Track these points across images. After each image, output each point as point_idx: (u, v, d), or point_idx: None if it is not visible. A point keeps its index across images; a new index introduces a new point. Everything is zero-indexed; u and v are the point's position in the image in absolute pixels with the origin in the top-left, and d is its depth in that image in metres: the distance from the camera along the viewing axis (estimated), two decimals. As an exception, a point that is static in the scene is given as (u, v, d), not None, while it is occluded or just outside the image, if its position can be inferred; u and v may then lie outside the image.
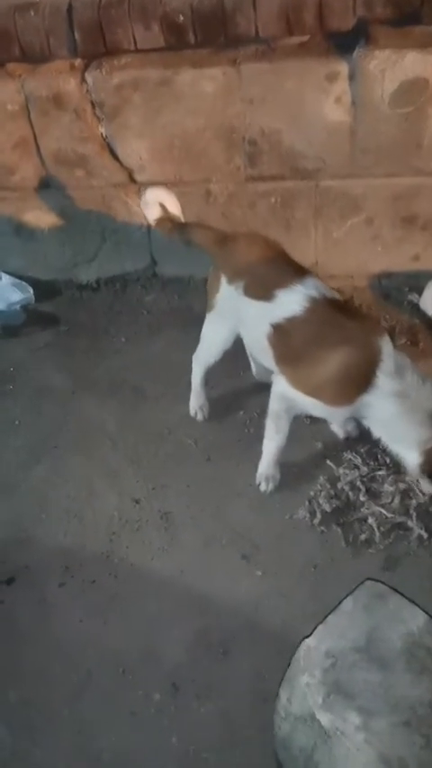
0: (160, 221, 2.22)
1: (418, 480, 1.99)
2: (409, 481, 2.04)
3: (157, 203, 2.21)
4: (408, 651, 1.40)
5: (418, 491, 2.02)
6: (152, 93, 2.52)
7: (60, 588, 1.95)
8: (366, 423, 1.94)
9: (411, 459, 1.83)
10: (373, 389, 1.79)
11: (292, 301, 1.87)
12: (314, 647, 1.42)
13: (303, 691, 1.36)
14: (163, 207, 2.20)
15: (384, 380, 1.77)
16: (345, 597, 1.53)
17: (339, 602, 1.52)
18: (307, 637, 1.46)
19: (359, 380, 1.79)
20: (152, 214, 2.22)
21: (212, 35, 2.40)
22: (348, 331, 1.82)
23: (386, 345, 1.79)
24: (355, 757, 1.25)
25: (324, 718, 1.30)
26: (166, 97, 2.52)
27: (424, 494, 2.00)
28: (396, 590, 1.55)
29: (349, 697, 1.33)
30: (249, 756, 1.55)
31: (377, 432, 1.92)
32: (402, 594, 1.54)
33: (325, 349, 1.81)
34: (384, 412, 1.82)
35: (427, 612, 1.49)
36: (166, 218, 2.21)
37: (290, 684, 1.42)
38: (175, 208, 2.22)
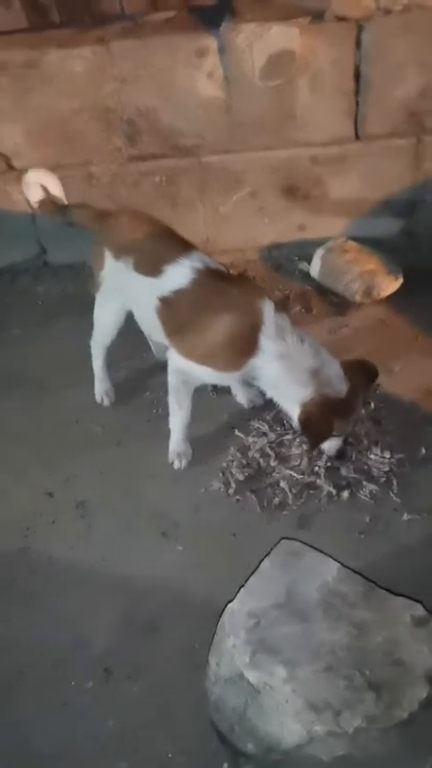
0: (42, 203, 2.18)
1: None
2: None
3: (38, 185, 2.16)
4: (324, 601, 1.48)
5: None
6: (19, 75, 2.44)
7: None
8: (258, 384, 2.00)
9: (295, 414, 1.91)
10: (259, 353, 1.85)
11: (178, 274, 1.90)
12: (237, 610, 1.47)
13: (230, 653, 1.40)
14: (45, 189, 2.16)
15: (268, 343, 1.84)
16: (262, 559, 1.59)
17: (258, 565, 1.58)
18: (230, 601, 1.50)
19: (245, 345, 1.85)
20: (34, 196, 2.18)
21: (76, 13, 2.35)
22: (231, 298, 1.87)
23: (267, 310, 1.85)
24: (285, 708, 1.31)
25: (252, 676, 1.35)
26: (35, 79, 2.45)
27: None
28: (310, 545, 1.62)
29: (274, 652, 1.39)
30: (185, 725, 1.58)
31: (268, 392, 1.99)
32: (316, 548, 1.61)
33: (210, 316, 1.86)
34: (271, 373, 1.88)
35: (339, 562, 1.57)
36: (48, 199, 2.17)
37: (217, 649, 1.47)
38: (57, 189, 2.18)
